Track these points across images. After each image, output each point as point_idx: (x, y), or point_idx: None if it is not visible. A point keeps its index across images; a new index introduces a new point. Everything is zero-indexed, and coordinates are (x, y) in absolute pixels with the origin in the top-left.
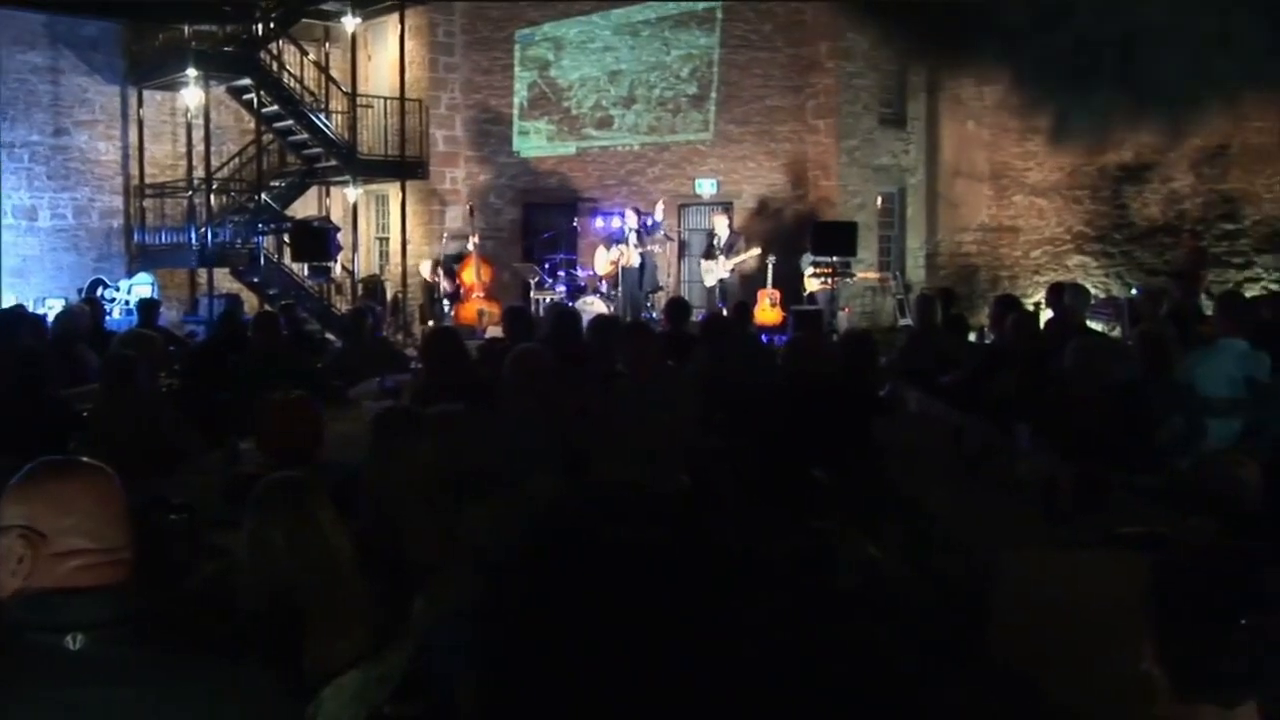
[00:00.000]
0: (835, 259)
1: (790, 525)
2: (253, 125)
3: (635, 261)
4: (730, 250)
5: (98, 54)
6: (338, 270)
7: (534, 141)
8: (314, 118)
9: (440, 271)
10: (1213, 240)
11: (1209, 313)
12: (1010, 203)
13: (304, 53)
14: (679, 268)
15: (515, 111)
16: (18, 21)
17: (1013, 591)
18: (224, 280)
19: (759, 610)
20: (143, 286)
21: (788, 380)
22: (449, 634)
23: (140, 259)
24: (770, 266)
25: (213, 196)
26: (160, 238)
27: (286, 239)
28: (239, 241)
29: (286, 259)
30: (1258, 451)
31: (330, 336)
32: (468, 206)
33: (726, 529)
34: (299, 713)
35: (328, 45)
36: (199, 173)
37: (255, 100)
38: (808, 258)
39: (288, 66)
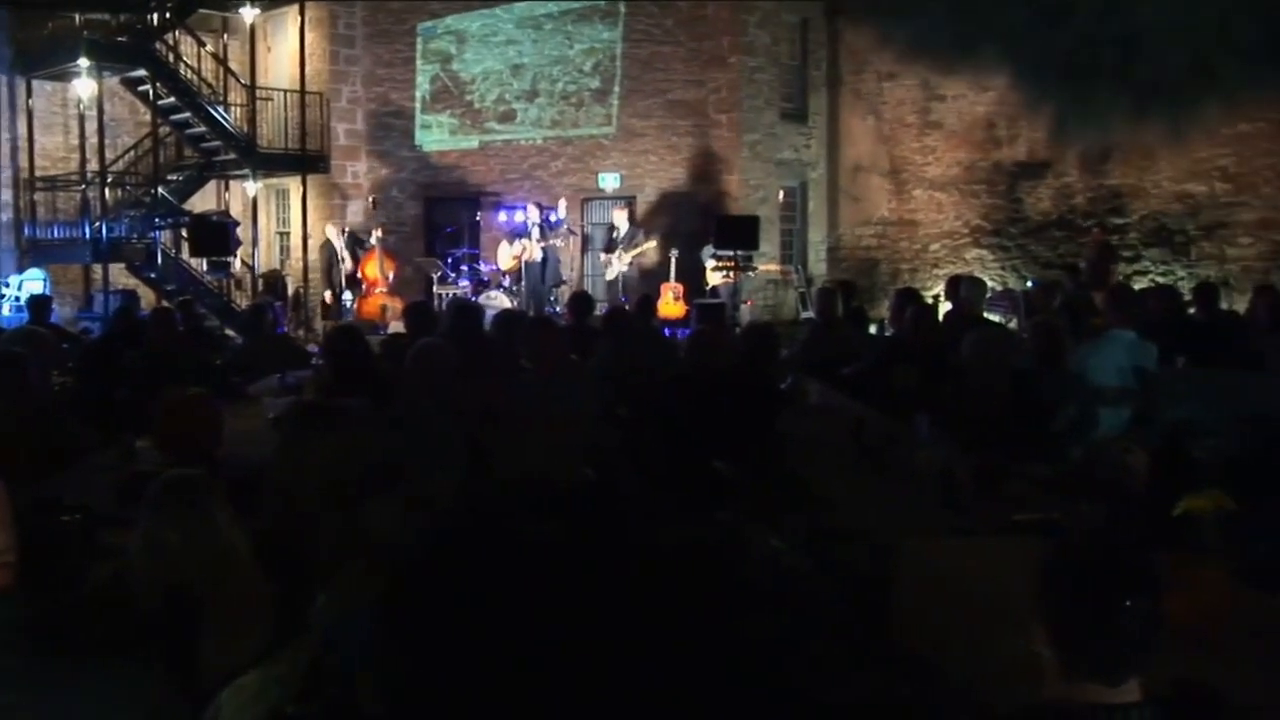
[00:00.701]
0: (737, 253)
1: (693, 517)
2: (148, 117)
3: (538, 256)
4: (629, 243)
5: None
6: (237, 265)
7: (436, 135)
8: (212, 110)
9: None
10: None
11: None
12: (910, 197)
13: (201, 44)
14: (582, 262)
15: (417, 105)
16: None
17: (913, 578)
18: (120, 276)
19: (663, 602)
20: (34, 282)
21: (690, 373)
22: (351, 632)
23: (31, 254)
24: (673, 260)
25: (107, 190)
26: (53, 232)
27: (184, 234)
28: (135, 236)
29: (185, 254)
30: (1146, 439)
31: (230, 333)
32: (370, 200)
33: (630, 522)
34: (196, 716)
35: (226, 36)
36: (93, 166)
37: (151, 92)
38: (709, 251)
39: (185, 58)
